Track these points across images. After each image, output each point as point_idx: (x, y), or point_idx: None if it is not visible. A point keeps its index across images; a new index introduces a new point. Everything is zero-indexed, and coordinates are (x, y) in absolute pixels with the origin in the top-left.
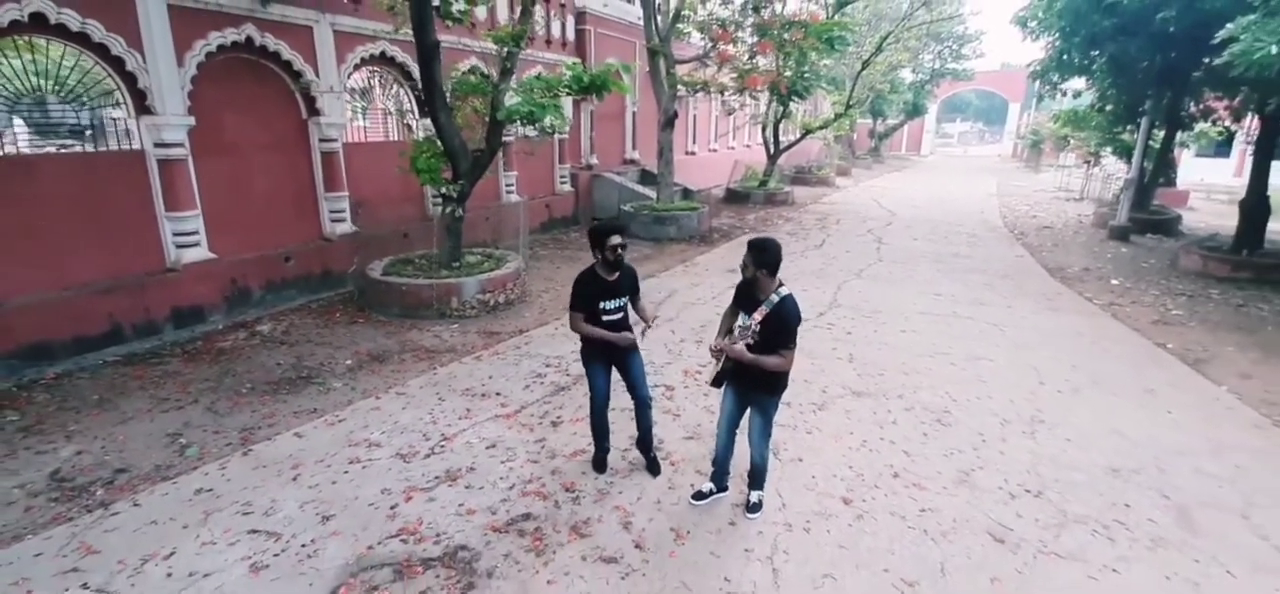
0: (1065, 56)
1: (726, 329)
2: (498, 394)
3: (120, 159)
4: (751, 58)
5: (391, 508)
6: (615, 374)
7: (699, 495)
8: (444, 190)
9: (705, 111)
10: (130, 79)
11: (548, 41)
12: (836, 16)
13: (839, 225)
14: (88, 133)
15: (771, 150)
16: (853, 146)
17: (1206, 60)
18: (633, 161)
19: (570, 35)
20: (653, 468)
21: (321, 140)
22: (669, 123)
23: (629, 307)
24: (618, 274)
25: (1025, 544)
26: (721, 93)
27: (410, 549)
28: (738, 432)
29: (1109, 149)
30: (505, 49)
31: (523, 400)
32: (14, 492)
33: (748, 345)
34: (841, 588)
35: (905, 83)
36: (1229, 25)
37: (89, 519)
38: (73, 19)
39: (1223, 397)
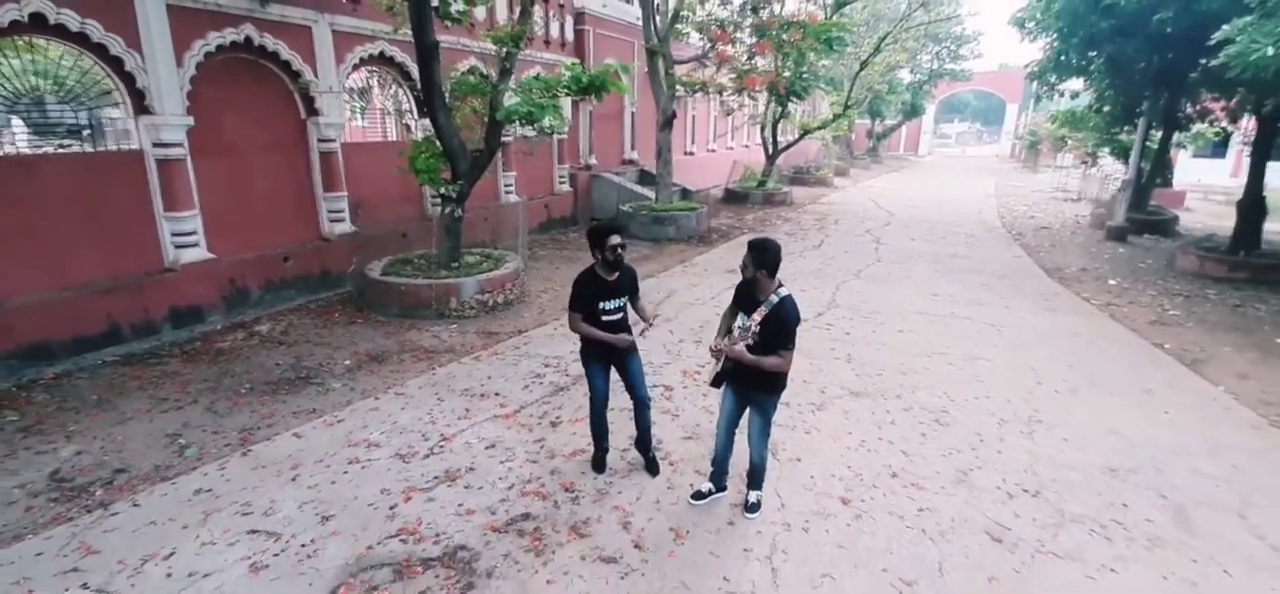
0: (1063, 57)
1: (726, 329)
2: (497, 394)
3: (119, 159)
4: (750, 58)
5: (391, 508)
6: (614, 374)
7: (698, 495)
8: (443, 190)
9: (704, 112)
10: (129, 79)
11: (547, 42)
12: (835, 17)
13: (837, 226)
14: (86, 132)
15: (770, 151)
16: (851, 147)
17: (1203, 61)
18: (631, 162)
19: (569, 35)
20: (652, 468)
21: (320, 140)
22: (667, 123)
23: (628, 307)
24: (617, 274)
25: (1023, 544)
26: (720, 93)
27: (410, 549)
28: (737, 432)
29: (1106, 150)
30: (504, 49)
31: (522, 400)
32: (14, 492)
33: (747, 346)
34: (840, 587)
35: (903, 83)
36: (1226, 27)
37: (89, 519)
38: (72, 19)
39: (1220, 397)
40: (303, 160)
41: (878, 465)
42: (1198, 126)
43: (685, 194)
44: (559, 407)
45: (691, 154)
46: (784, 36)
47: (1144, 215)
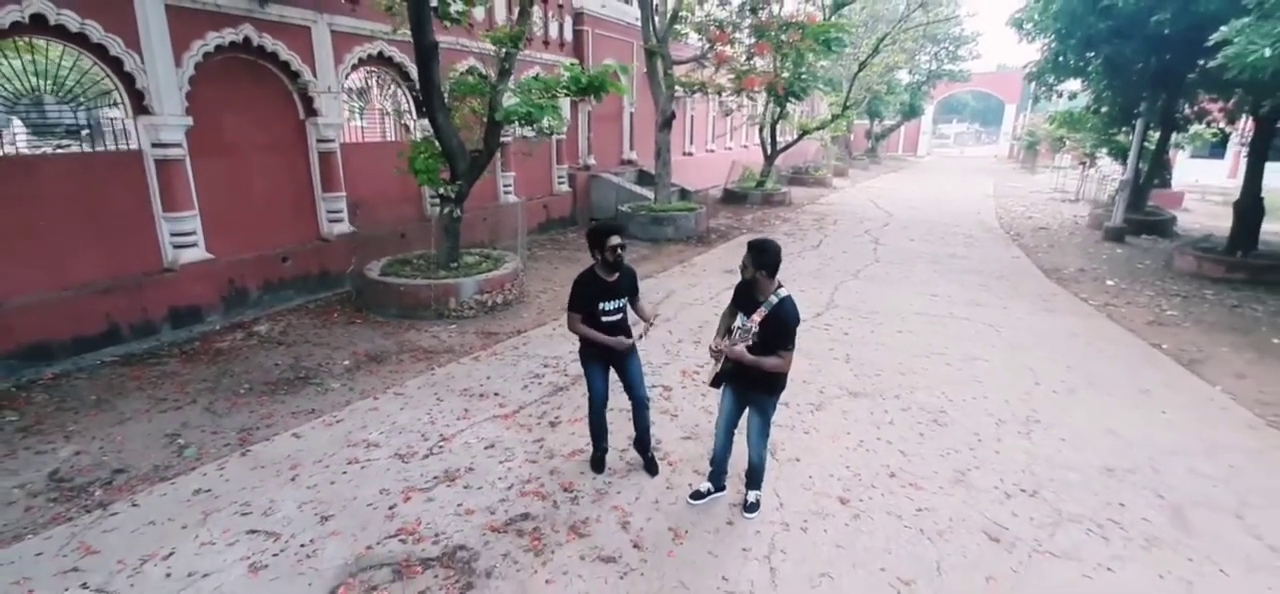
0: (1061, 58)
1: (725, 329)
2: (496, 394)
3: (118, 159)
4: (749, 59)
5: (390, 508)
6: (613, 374)
7: (697, 495)
8: (442, 191)
9: (703, 112)
10: (128, 79)
11: (546, 42)
12: (833, 18)
13: (836, 226)
14: (85, 133)
15: (769, 151)
16: (849, 147)
17: (1201, 62)
18: (630, 162)
19: (568, 36)
20: (651, 468)
21: (319, 141)
22: (666, 123)
23: (628, 307)
24: (617, 275)
25: (1020, 543)
26: (719, 94)
27: (409, 549)
28: (736, 432)
29: (1104, 150)
30: (503, 50)
31: (521, 401)
32: (14, 492)
33: (747, 347)
34: (838, 587)
35: (902, 84)
36: (1223, 28)
37: (88, 519)
38: (72, 20)
39: (1217, 397)
40: (301, 161)
41: (876, 465)
42: (1195, 127)
43: (684, 194)
44: (558, 407)
45: (690, 154)
46: (783, 37)
47: (1142, 216)
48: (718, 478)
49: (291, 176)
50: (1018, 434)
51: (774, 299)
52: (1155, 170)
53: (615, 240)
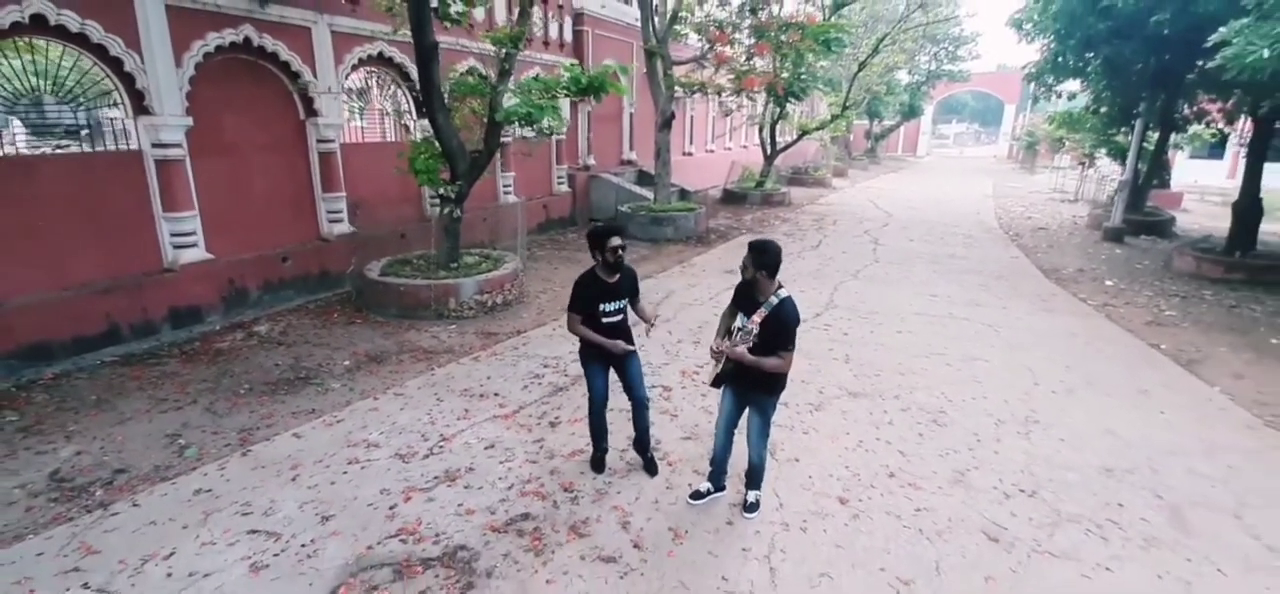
0: (1060, 59)
1: (725, 330)
2: (496, 395)
3: (118, 159)
4: (748, 59)
5: (391, 508)
6: (613, 374)
7: (697, 495)
8: (442, 191)
9: (702, 112)
10: (128, 79)
11: (546, 43)
12: (833, 18)
13: (836, 226)
14: (84, 133)
15: (768, 151)
16: (849, 148)
17: (1200, 63)
18: (630, 162)
19: (568, 36)
20: (650, 468)
21: (319, 141)
22: (666, 124)
23: (629, 308)
24: (618, 276)
25: (1019, 543)
26: (719, 94)
27: (410, 549)
28: (736, 432)
29: (1103, 151)
30: (503, 50)
31: (521, 401)
32: (14, 492)
33: (748, 348)
34: (838, 587)
35: (901, 84)
36: (1222, 29)
37: (89, 519)
38: (72, 20)
39: (1215, 397)
40: (301, 161)
41: (875, 465)
42: (1194, 128)
43: (683, 194)
44: (558, 407)
45: (690, 154)
46: (782, 38)
47: (1141, 216)
48: (717, 478)
49: (291, 177)
50: (1017, 434)
51: (774, 300)
52: (1154, 171)
53: (616, 241)
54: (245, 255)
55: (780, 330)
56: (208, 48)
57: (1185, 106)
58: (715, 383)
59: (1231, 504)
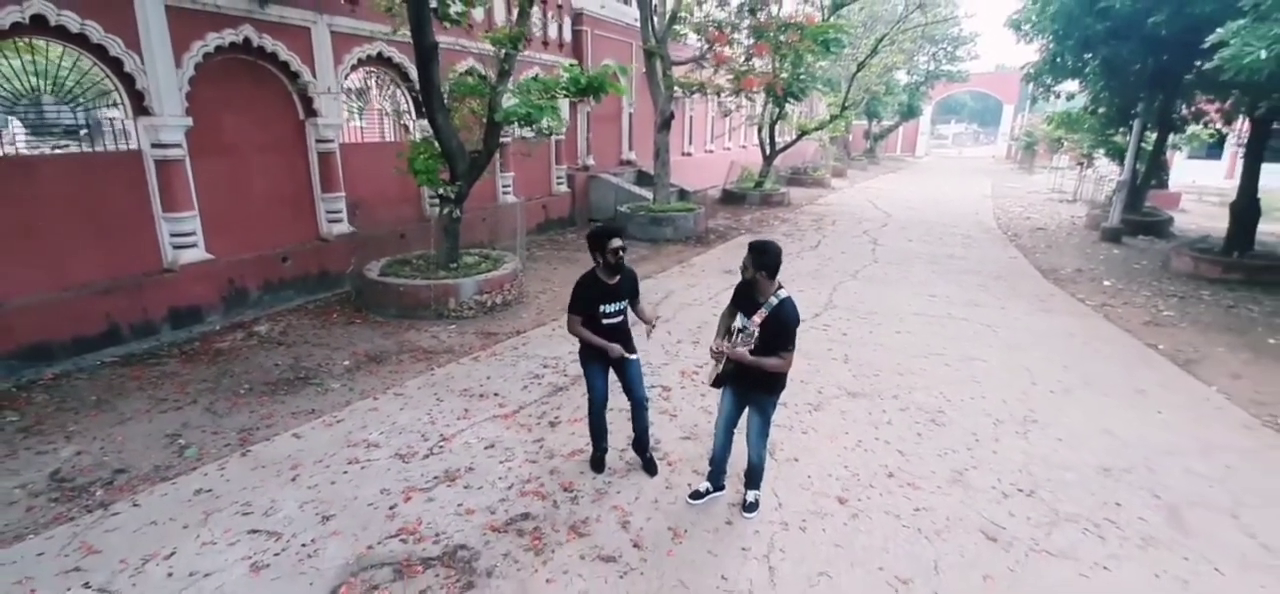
0: (1058, 59)
1: (725, 330)
2: (496, 395)
3: (118, 160)
4: (748, 59)
5: (391, 508)
6: (613, 375)
7: (696, 495)
8: (441, 191)
9: (701, 113)
10: (128, 80)
11: (545, 43)
12: (832, 19)
13: (835, 226)
14: (83, 133)
15: (767, 151)
16: (848, 148)
17: (1198, 64)
18: (629, 162)
19: (567, 37)
20: (650, 468)
21: (319, 141)
22: (665, 124)
23: (629, 309)
24: (618, 277)
25: (1017, 542)
26: (718, 94)
27: (410, 549)
28: (735, 431)
29: (1102, 151)
30: (503, 50)
31: (521, 401)
32: (15, 492)
33: (748, 348)
34: (837, 586)
35: (900, 84)
36: (1219, 29)
37: (89, 519)
38: (72, 20)
39: (1213, 397)
40: (301, 161)
41: (874, 465)
42: (1192, 128)
43: (683, 195)
44: (558, 407)
45: (689, 155)
46: (781, 38)
47: (1139, 216)
48: (717, 478)
49: (291, 177)
50: (1015, 434)
51: (774, 300)
52: (1152, 171)
53: (616, 243)
54: (245, 255)
55: (781, 330)
56: (207, 48)
57: (1183, 107)
58: (716, 383)
59: (1228, 503)
